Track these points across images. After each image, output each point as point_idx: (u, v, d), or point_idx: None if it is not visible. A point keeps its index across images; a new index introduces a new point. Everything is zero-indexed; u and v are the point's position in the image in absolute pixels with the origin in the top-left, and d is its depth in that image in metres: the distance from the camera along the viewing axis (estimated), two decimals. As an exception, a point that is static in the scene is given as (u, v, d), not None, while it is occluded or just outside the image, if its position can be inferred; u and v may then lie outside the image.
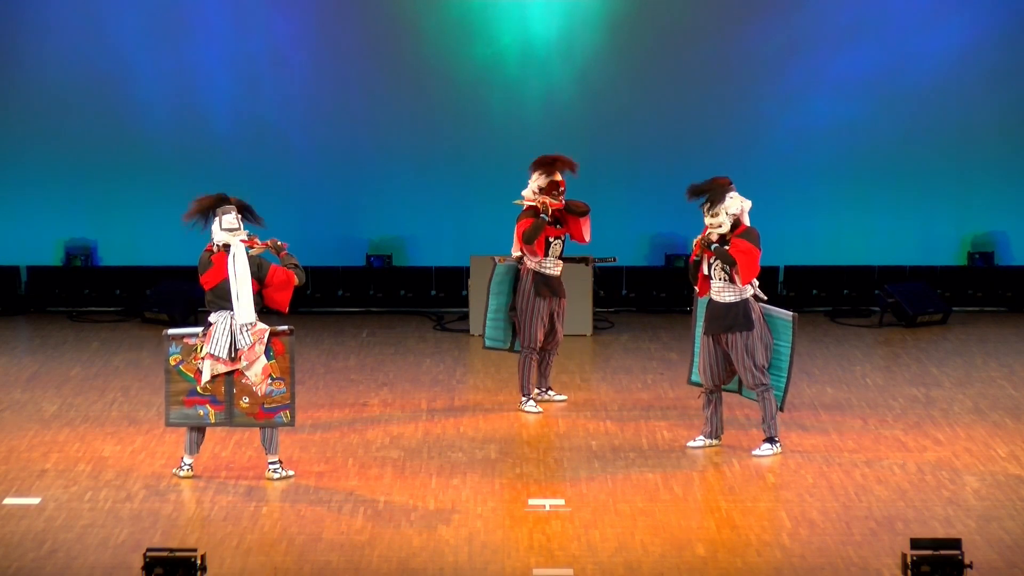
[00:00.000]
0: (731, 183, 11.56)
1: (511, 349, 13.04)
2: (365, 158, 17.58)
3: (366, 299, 17.50)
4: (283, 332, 10.91)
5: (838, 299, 17.27)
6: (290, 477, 11.02)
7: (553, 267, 12.80)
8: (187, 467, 11.03)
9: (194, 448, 11.02)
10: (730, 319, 11.40)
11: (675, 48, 17.44)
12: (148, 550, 8.41)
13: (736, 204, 11.46)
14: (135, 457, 11.41)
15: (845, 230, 17.47)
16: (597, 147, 17.54)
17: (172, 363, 10.86)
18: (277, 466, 11.04)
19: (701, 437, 11.75)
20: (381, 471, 11.19)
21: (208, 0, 17.41)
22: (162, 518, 10.18)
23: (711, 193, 11.49)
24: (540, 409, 12.85)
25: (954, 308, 17.09)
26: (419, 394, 13.50)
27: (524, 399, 12.84)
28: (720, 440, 11.71)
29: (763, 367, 11.43)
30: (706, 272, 11.58)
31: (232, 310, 10.82)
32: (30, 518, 10.17)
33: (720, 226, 11.44)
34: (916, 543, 8.46)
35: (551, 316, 12.83)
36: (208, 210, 11.04)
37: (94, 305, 17.16)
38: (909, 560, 8.39)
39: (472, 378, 13.97)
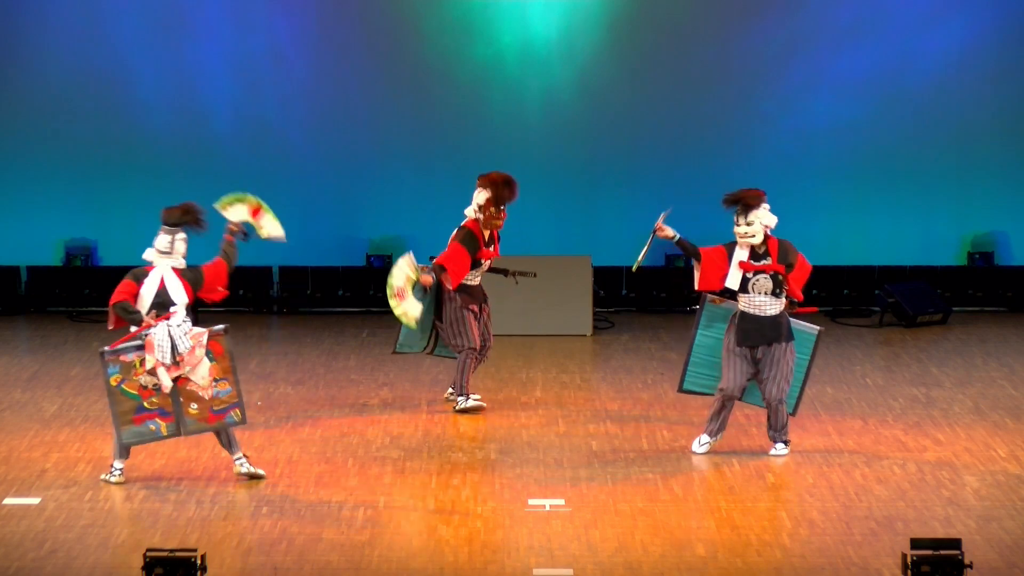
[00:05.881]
0: (764, 196, 11.44)
1: (430, 352, 13.13)
2: (365, 158, 17.59)
3: (366, 299, 17.50)
4: (218, 333, 10.80)
5: (838, 299, 17.28)
6: (261, 476, 10.93)
7: (473, 279, 12.82)
8: (118, 473, 10.90)
9: (125, 452, 10.90)
10: (773, 332, 11.32)
11: (675, 48, 17.45)
12: (148, 550, 8.41)
13: (770, 217, 11.35)
14: (135, 457, 11.40)
15: (845, 230, 17.48)
16: (597, 147, 17.56)
17: (113, 383, 10.68)
18: (243, 460, 10.94)
19: (706, 437, 11.60)
20: (381, 471, 11.18)
21: (208, 0, 17.42)
22: (162, 518, 10.17)
23: (747, 199, 11.37)
24: (484, 403, 12.92)
25: (954, 308, 17.09)
26: (419, 394, 13.50)
27: (463, 399, 12.84)
28: (719, 439, 11.65)
29: (789, 381, 11.38)
30: (747, 289, 11.38)
31: (168, 319, 10.74)
32: (30, 518, 10.17)
33: (753, 236, 11.34)
34: (916, 543, 8.46)
35: (480, 322, 12.90)
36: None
37: (94, 305, 17.15)
38: (909, 560, 8.39)
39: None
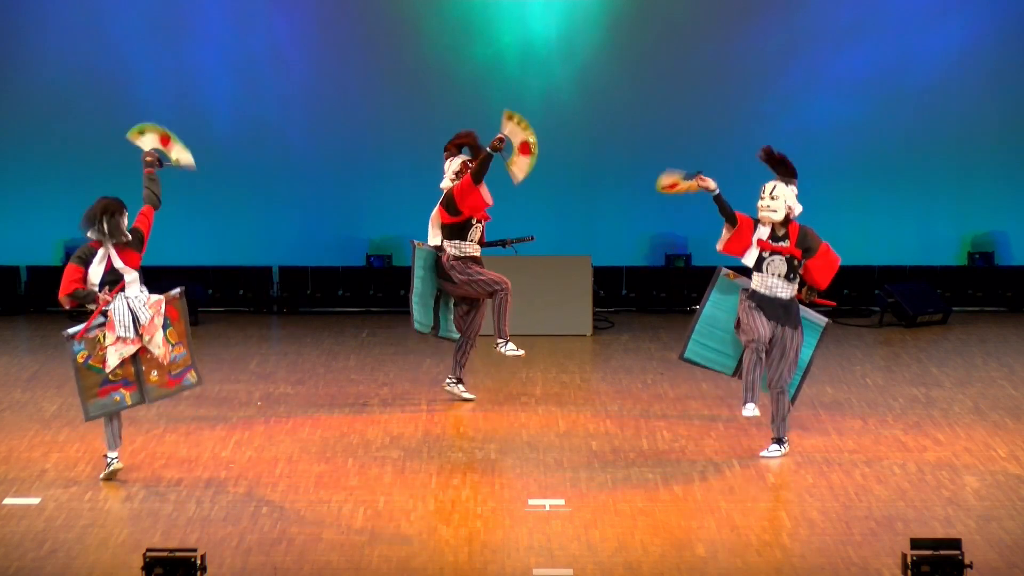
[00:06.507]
0: (796, 175, 11.39)
1: (435, 335, 13.15)
2: (365, 158, 17.58)
3: (366, 299, 17.51)
4: (174, 297, 10.86)
5: (838, 299, 17.25)
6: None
7: (472, 251, 12.85)
8: (115, 461, 10.90)
9: (116, 441, 10.89)
10: (784, 314, 11.29)
11: (675, 48, 17.45)
12: (148, 550, 8.41)
13: (793, 199, 11.31)
14: (135, 457, 11.41)
15: (845, 230, 17.46)
16: (597, 147, 17.56)
17: (80, 360, 10.75)
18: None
19: (751, 404, 11.31)
20: (381, 471, 11.18)
21: (208, 0, 17.42)
22: (162, 518, 10.17)
23: (785, 167, 11.36)
24: (522, 351, 12.93)
25: (954, 308, 17.09)
26: (419, 394, 13.50)
27: (503, 341, 12.86)
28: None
29: (793, 370, 11.37)
30: (761, 268, 11.34)
31: (124, 291, 10.72)
32: (30, 518, 10.17)
33: (775, 212, 11.29)
34: (916, 543, 8.46)
35: (472, 300, 12.93)
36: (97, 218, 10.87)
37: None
38: (909, 560, 8.39)
39: (472, 378, 13.96)
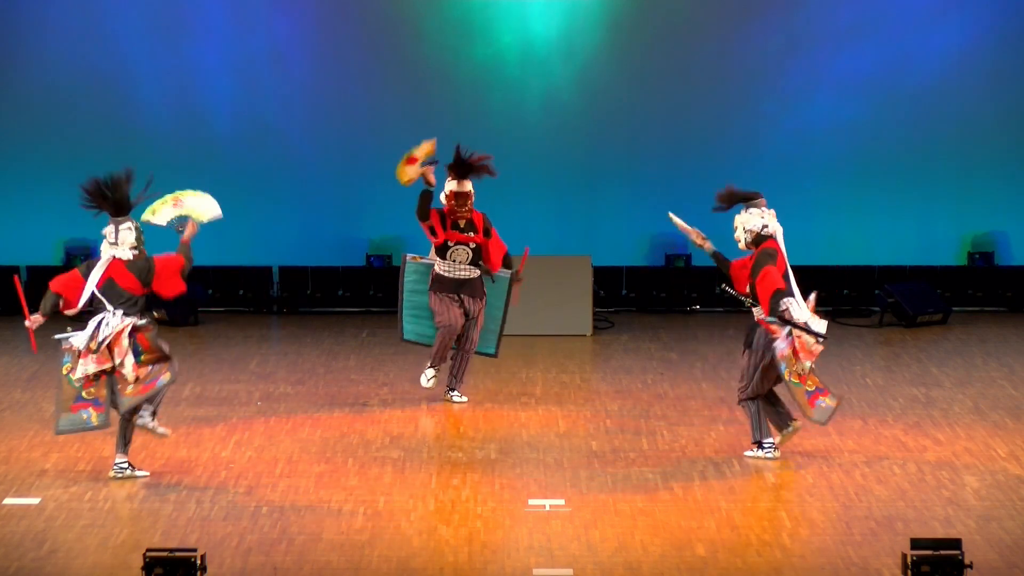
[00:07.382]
0: (757, 197, 11.30)
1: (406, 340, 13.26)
2: (365, 158, 17.59)
3: (366, 299, 17.51)
4: (146, 327, 10.65)
5: (838, 299, 17.28)
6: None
7: (454, 271, 12.83)
8: (124, 464, 10.88)
9: (123, 447, 10.88)
10: (747, 335, 11.31)
11: (675, 48, 17.46)
12: (148, 550, 8.41)
13: (755, 220, 11.24)
14: (135, 457, 11.40)
15: (845, 230, 17.49)
16: (597, 147, 17.57)
17: (64, 372, 10.70)
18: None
19: (757, 448, 11.43)
20: (381, 471, 11.18)
21: (208, 0, 17.42)
22: (162, 518, 10.17)
23: (722, 201, 11.31)
24: (431, 384, 12.96)
25: (954, 308, 17.10)
26: (419, 394, 13.50)
27: (429, 370, 12.93)
28: (791, 427, 11.37)
29: (744, 387, 11.27)
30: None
31: (107, 311, 10.66)
32: (30, 518, 10.17)
33: (739, 241, 11.29)
34: (916, 543, 8.46)
35: (465, 315, 12.90)
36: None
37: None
38: (909, 560, 8.39)
39: (472, 378, 13.96)
